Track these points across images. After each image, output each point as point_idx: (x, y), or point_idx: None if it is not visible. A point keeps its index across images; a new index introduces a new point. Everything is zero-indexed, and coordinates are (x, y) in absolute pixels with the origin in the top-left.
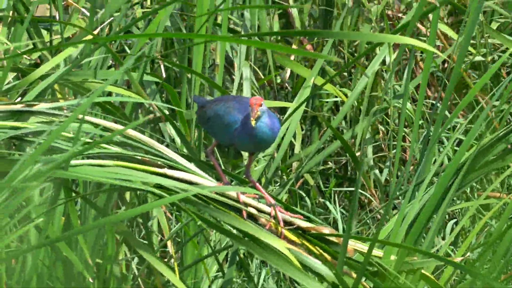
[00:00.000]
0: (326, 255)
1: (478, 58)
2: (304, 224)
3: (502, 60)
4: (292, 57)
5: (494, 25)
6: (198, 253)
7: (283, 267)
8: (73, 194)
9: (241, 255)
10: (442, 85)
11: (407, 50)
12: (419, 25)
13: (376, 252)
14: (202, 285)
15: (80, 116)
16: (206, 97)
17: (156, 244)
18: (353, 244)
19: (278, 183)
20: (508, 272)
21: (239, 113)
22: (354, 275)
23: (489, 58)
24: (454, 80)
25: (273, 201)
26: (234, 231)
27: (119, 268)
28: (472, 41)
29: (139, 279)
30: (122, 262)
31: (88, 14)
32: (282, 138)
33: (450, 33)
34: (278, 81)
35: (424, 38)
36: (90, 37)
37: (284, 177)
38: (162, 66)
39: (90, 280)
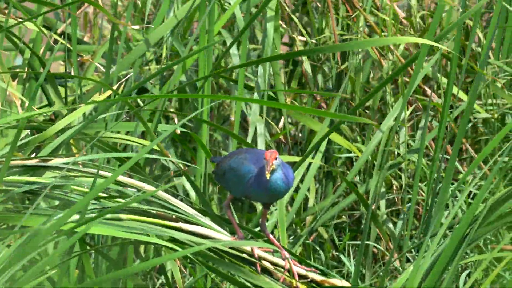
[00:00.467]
0: None
1: (485, 115)
2: (318, 277)
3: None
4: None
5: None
6: None
7: None
8: (87, 247)
9: None
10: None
11: (420, 106)
12: (426, 87)
13: None
14: None
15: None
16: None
17: None
18: None
19: (293, 237)
20: None
21: (252, 163)
22: None
23: (496, 115)
24: (460, 135)
25: (287, 255)
26: (248, 284)
27: None
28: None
29: None
30: None
31: (103, 69)
32: (296, 191)
33: (460, 94)
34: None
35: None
36: (108, 92)
37: (298, 230)
38: (176, 121)
39: None
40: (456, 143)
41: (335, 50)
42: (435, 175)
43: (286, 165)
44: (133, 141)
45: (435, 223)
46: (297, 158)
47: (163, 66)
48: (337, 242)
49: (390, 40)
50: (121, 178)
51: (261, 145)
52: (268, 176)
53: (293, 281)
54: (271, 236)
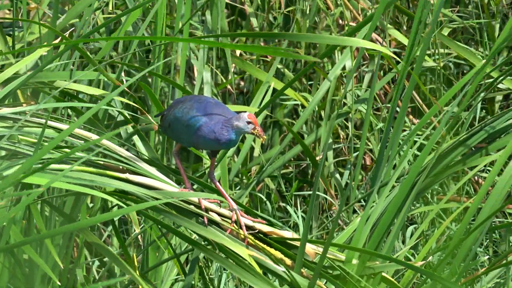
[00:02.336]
0: (286, 258)
1: (431, 64)
2: (266, 228)
3: (472, 74)
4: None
5: (446, 31)
6: (159, 257)
7: (243, 275)
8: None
9: (201, 259)
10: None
11: (366, 54)
12: (374, 35)
13: (339, 256)
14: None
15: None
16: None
17: (117, 248)
18: (314, 247)
19: (239, 187)
20: (467, 276)
21: (198, 112)
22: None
23: (441, 64)
24: (411, 85)
25: (235, 206)
26: (195, 236)
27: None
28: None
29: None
30: (83, 265)
31: (51, 15)
32: (242, 142)
33: (402, 38)
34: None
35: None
36: (56, 41)
37: (245, 180)
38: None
39: (58, 283)
40: (408, 93)
41: None
42: (381, 124)
43: (227, 108)
44: (84, 92)
45: (383, 174)
46: (242, 107)
47: (110, 16)
48: (284, 193)
49: None
50: (66, 128)
51: (207, 93)
52: (263, 140)
53: (241, 232)
54: (219, 186)
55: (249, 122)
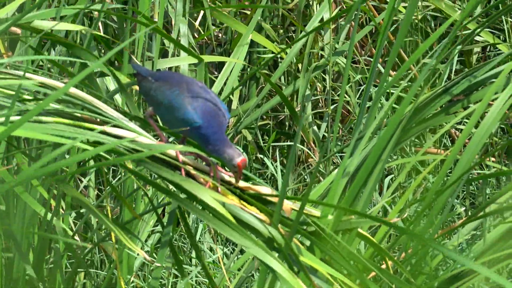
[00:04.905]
0: (262, 214)
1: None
2: (242, 183)
3: (448, 24)
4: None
5: None
6: (136, 209)
7: (219, 227)
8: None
9: (178, 211)
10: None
11: (344, 7)
12: None
13: (314, 212)
14: (138, 241)
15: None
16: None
17: (93, 199)
18: (290, 204)
19: None
20: (444, 228)
21: (196, 110)
22: None
23: (419, 17)
24: (401, 36)
25: (212, 160)
26: (171, 187)
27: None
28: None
29: (76, 235)
30: (60, 217)
31: None
32: (220, 93)
33: None
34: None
35: None
36: None
37: None
38: (100, 23)
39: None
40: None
41: None
42: (359, 76)
43: (220, 102)
44: (63, 28)
45: (361, 126)
46: (220, 58)
47: None
48: (261, 144)
49: None
50: (44, 80)
51: (185, 44)
52: (237, 184)
53: (217, 186)
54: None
55: (234, 167)
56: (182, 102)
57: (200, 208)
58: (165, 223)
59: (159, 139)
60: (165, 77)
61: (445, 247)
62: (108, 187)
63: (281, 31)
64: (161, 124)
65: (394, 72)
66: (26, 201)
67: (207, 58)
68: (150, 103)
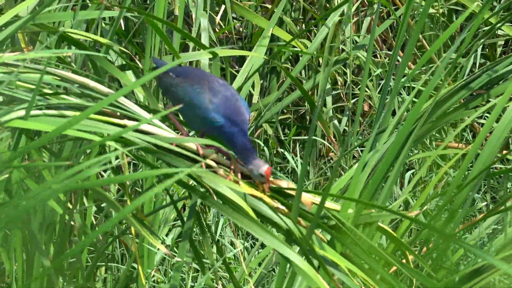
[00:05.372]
0: (282, 207)
1: (430, 10)
2: None
3: (464, 16)
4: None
5: None
6: (157, 203)
7: (239, 220)
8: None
9: (199, 206)
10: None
11: (366, 1)
12: None
13: (334, 206)
14: (159, 234)
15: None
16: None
17: (114, 193)
18: (311, 197)
19: None
20: (465, 222)
21: (218, 109)
22: None
23: (440, 11)
24: (417, 30)
25: (232, 154)
26: (191, 181)
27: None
28: None
29: (97, 228)
30: (80, 211)
31: None
32: (241, 89)
33: None
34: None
35: None
36: None
37: None
38: (122, 21)
39: (72, 223)
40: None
41: None
42: (380, 70)
43: (240, 98)
44: (85, 37)
45: (382, 120)
46: (240, 52)
47: None
48: (282, 138)
49: None
50: (65, 74)
51: (204, 40)
52: (267, 194)
53: (238, 180)
54: (215, 143)
55: (262, 176)
56: (203, 100)
57: (220, 202)
58: (185, 218)
59: (180, 133)
60: (186, 73)
61: (466, 242)
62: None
63: (303, 25)
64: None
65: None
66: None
67: (227, 52)
68: (171, 98)
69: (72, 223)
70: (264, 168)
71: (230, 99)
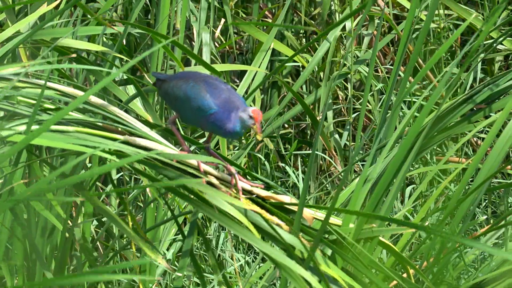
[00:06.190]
0: (283, 223)
1: (431, 25)
2: (264, 193)
3: (462, 29)
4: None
5: None
6: (158, 218)
7: (241, 233)
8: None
9: (200, 219)
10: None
11: (367, 17)
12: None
13: (336, 220)
14: (160, 248)
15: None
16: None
17: (115, 207)
18: (312, 212)
19: (238, 147)
20: (466, 237)
21: (211, 97)
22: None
23: (442, 25)
24: (419, 44)
25: (233, 170)
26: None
27: (79, 230)
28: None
29: (98, 242)
30: (81, 225)
31: None
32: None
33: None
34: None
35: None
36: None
37: (244, 141)
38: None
39: (67, 234)
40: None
41: None
42: (381, 85)
43: (238, 96)
44: (86, 48)
45: (383, 135)
46: (240, 67)
47: None
48: (283, 152)
49: None
50: (66, 89)
51: (206, 56)
52: (259, 137)
53: (239, 196)
54: (217, 155)
55: (251, 117)
56: (197, 91)
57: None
58: (186, 232)
59: (181, 148)
60: (182, 75)
61: (466, 257)
62: (130, 195)
63: (303, 39)
64: (181, 121)
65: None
66: (46, 216)
67: (228, 67)
68: (169, 102)
69: (73, 238)
70: (250, 109)
71: (224, 90)
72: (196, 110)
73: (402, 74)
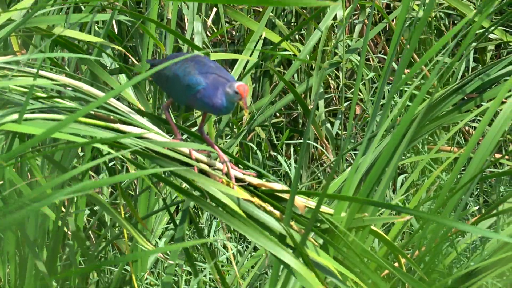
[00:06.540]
0: (276, 211)
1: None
2: (256, 181)
3: (463, 23)
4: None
5: None
6: (150, 206)
7: (233, 223)
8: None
9: (192, 208)
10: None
11: (358, 5)
12: None
13: (327, 209)
14: (151, 238)
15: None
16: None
17: (107, 196)
18: (304, 201)
19: (229, 136)
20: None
21: (200, 74)
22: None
23: (433, 14)
24: (418, 32)
25: (225, 158)
26: (185, 185)
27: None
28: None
29: (90, 232)
30: (73, 214)
31: None
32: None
33: None
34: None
35: None
36: None
37: (235, 130)
38: (114, 22)
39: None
40: (393, 41)
41: None
42: (372, 74)
43: (226, 73)
44: (79, 38)
45: (374, 124)
46: (233, 56)
47: None
48: (275, 142)
49: None
50: (58, 77)
51: (198, 43)
52: (246, 113)
53: (231, 184)
54: (209, 139)
55: (236, 92)
56: (185, 70)
57: (214, 204)
58: (177, 221)
59: (173, 136)
60: (172, 57)
61: (456, 248)
62: (122, 184)
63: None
64: (174, 103)
65: (408, 70)
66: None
67: (219, 55)
68: (161, 84)
69: (65, 228)
70: (235, 84)
71: (212, 67)
72: (185, 88)
73: (395, 65)
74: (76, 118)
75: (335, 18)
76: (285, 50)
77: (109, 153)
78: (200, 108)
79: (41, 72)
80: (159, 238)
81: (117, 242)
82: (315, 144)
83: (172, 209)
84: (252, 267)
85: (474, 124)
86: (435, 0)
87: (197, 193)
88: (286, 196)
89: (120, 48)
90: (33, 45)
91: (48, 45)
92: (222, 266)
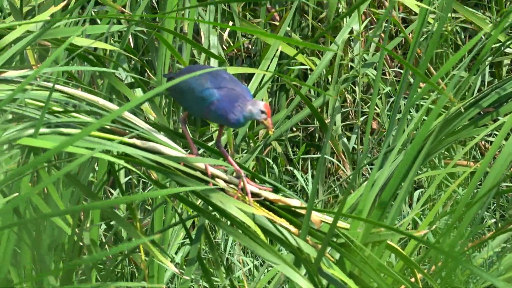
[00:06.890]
0: (291, 226)
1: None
2: (272, 196)
3: (479, 36)
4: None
5: None
6: (166, 221)
7: (247, 242)
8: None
9: (208, 224)
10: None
11: (374, 19)
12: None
13: (343, 224)
14: (169, 252)
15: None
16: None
17: (123, 211)
18: (320, 216)
19: (246, 151)
20: (474, 241)
21: (214, 86)
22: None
23: (449, 28)
24: (432, 47)
25: (242, 173)
26: (200, 201)
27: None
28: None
29: (106, 246)
30: (89, 229)
31: None
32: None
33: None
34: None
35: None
36: (63, 2)
37: (252, 144)
38: (130, 37)
39: (81, 243)
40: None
41: None
42: (388, 88)
43: (242, 85)
44: (95, 46)
45: (390, 138)
46: (249, 70)
47: None
48: (291, 156)
49: None
50: (74, 91)
51: (214, 60)
52: (271, 132)
53: (246, 199)
54: (226, 153)
55: (262, 112)
56: (199, 82)
57: (228, 223)
58: (193, 236)
59: (189, 151)
60: (187, 70)
61: (473, 263)
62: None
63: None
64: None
65: (424, 84)
66: (53, 220)
67: (236, 69)
68: (176, 97)
69: (80, 243)
70: (261, 104)
71: (226, 79)
72: (199, 100)
73: (410, 79)
74: (89, 132)
75: (351, 32)
76: (302, 64)
77: (124, 167)
78: (214, 120)
79: (57, 86)
80: (176, 253)
81: (133, 257)
82: (331, 158)
83: (189, 223)
84: (269, 282)
85: (490, 139)
86: (448, 11)
87: (211, 209)
88: (302, 211)
89: (138, 60)
90: (48, 56)
91: (64, 57)
92: (239, 282)
